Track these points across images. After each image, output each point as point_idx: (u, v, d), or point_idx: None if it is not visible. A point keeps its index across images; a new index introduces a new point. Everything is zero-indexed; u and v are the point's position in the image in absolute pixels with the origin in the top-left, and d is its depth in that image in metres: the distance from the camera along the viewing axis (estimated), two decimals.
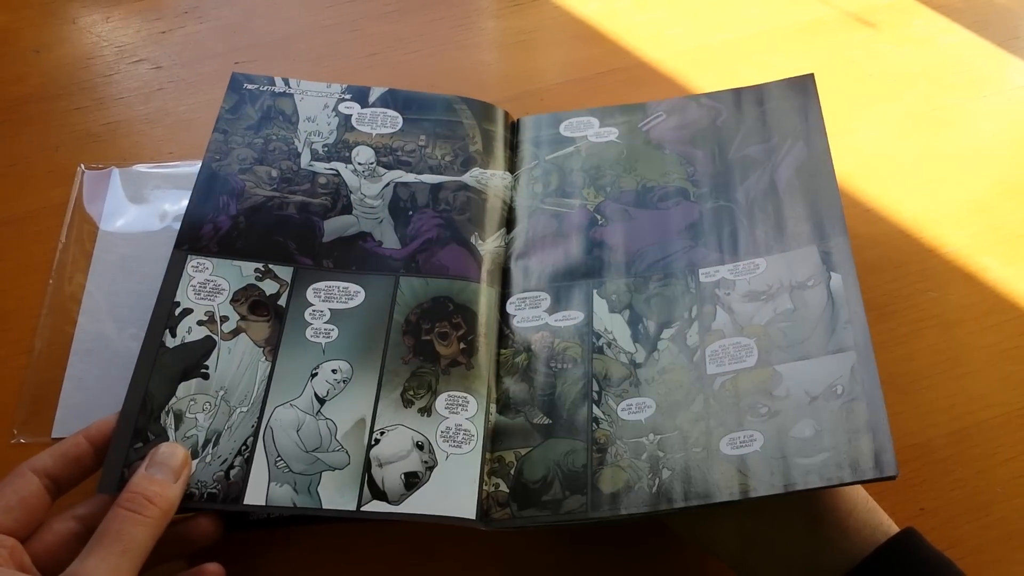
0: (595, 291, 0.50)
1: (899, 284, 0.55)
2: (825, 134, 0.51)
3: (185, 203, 0.57)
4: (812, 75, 0.54)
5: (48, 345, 0.52)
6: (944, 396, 0.51)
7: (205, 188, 0.53)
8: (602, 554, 0.46)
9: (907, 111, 0.63)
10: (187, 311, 0.48)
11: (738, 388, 0.44)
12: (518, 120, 0.59)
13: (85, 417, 0.49)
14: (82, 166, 0.60)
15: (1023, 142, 0.61)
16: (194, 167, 0.59)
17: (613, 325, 0.48)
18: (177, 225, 0.57)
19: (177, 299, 0.49)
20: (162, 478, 0.40)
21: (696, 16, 0.69)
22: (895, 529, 0.40)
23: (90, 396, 0.50)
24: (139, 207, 0.58)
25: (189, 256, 0.50)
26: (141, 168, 0.60)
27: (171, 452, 0.42)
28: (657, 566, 0.46)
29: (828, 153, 0.50)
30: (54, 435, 0.49)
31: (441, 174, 0.55)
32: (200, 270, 0.50)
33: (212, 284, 0.49)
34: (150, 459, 0.41)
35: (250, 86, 0.58)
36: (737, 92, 0.56)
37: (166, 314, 0.48)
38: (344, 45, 0.67)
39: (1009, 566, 0.46)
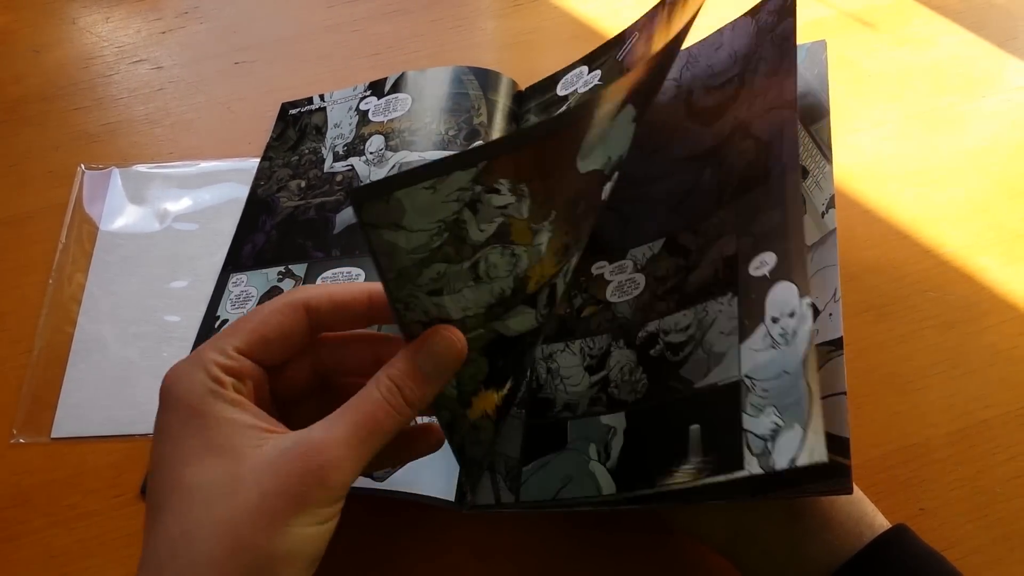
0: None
1: (898, 284, 0.55)
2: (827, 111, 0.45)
3: (185, 203, 0.58)
4: (824, 42, 0.47)
5: (48, 345, 0.52)
6: (944, 396, 0.51)
7: (249, 212, 0.56)
8: (595, 548, 0.46)
9: (906, 111, 0.63)
10: (224, 322, 0.52)
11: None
12: (524, 90, 0.58)
13: (85, 417, 0.49)
14: (82, 166, 0.60)
15: (1022, 142, 0.61)
16: (195, 167, 0.60)
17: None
18: (177, 225, 0.57)
19: (218, 314, 0.52)
20: (428, 373, 0.35)
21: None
22: (881, 519, 0.40)
23: (90, 396, 0.50)
24: (139, 207, 0.58)
25: (231, 274, 0.54)
26: (141, 168, 0.60)
27: (447, 348, 0.35)
28: (650, 556, 0.46)
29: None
30: (53, 435, 0.49)
31: (444, 149, 0.55)
32: (237, 284, 0.53)
33: (245, 294, 0.52)
34: (425, 347, 0.34)
35: (293, 111, 0.61)
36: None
37: (208, 330, 0.52)
38: (344, 45, 0.67)
39: (1009, 566, 0.46)
